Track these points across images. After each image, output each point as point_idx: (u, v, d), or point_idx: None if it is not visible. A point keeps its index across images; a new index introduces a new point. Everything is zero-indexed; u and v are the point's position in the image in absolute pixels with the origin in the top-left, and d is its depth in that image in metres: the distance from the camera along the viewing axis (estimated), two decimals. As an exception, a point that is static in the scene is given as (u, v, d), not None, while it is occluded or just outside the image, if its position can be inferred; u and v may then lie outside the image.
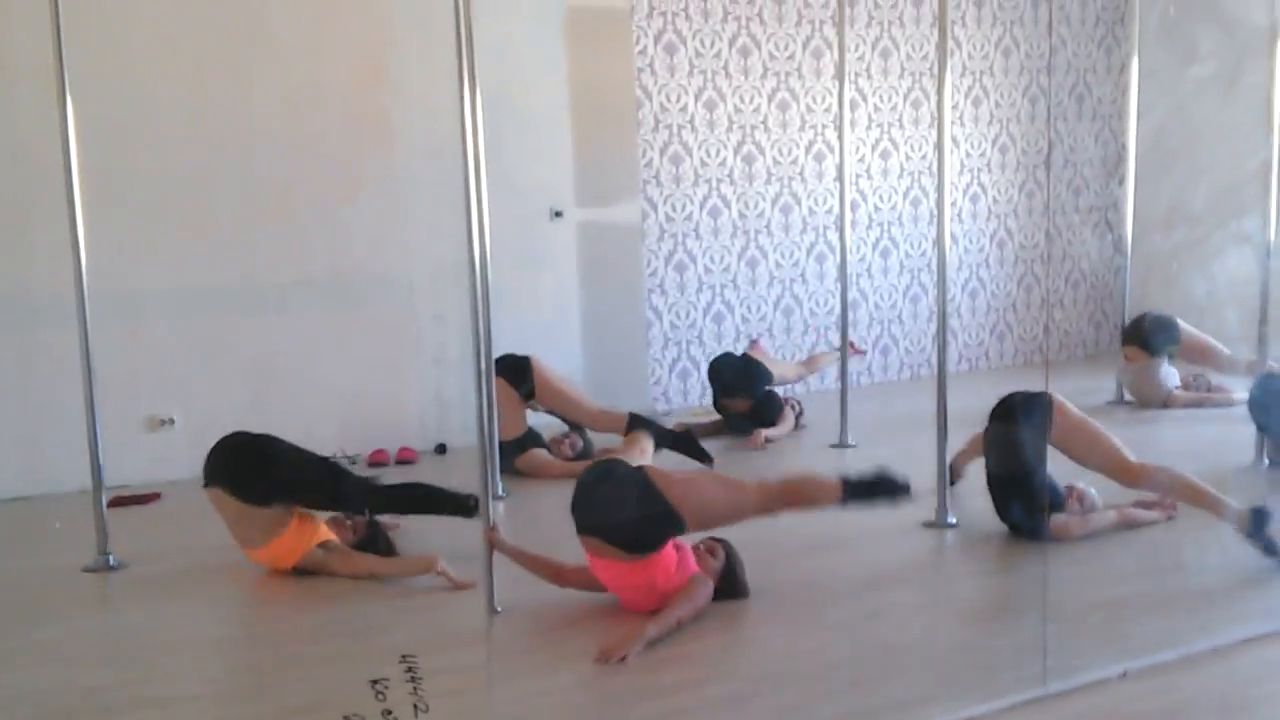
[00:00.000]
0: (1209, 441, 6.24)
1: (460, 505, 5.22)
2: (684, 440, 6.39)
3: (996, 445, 5.28)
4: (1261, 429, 6.20)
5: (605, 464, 4.71)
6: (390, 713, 3.66)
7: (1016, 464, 5.16)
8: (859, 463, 6.76)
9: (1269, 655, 4.04)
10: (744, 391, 7.40)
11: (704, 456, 6.36)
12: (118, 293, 6.28)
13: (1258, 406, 6.23)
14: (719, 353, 7.94)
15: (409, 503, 5.37)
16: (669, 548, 4.40)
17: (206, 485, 5.03)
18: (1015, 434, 5.18)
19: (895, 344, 9.26)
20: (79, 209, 5.19)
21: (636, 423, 6.30)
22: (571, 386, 6.89)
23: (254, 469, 5.02)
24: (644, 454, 5.48)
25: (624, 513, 4.39)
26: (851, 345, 7.60)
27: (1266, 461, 6.20)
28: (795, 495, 4.62)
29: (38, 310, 6.35)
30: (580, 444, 6.80)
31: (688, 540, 4.55)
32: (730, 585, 4.60)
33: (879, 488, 4.61)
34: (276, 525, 4.99)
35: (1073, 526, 5.16)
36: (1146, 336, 7.78)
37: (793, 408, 7.54)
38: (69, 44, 5.17)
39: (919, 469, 5.30)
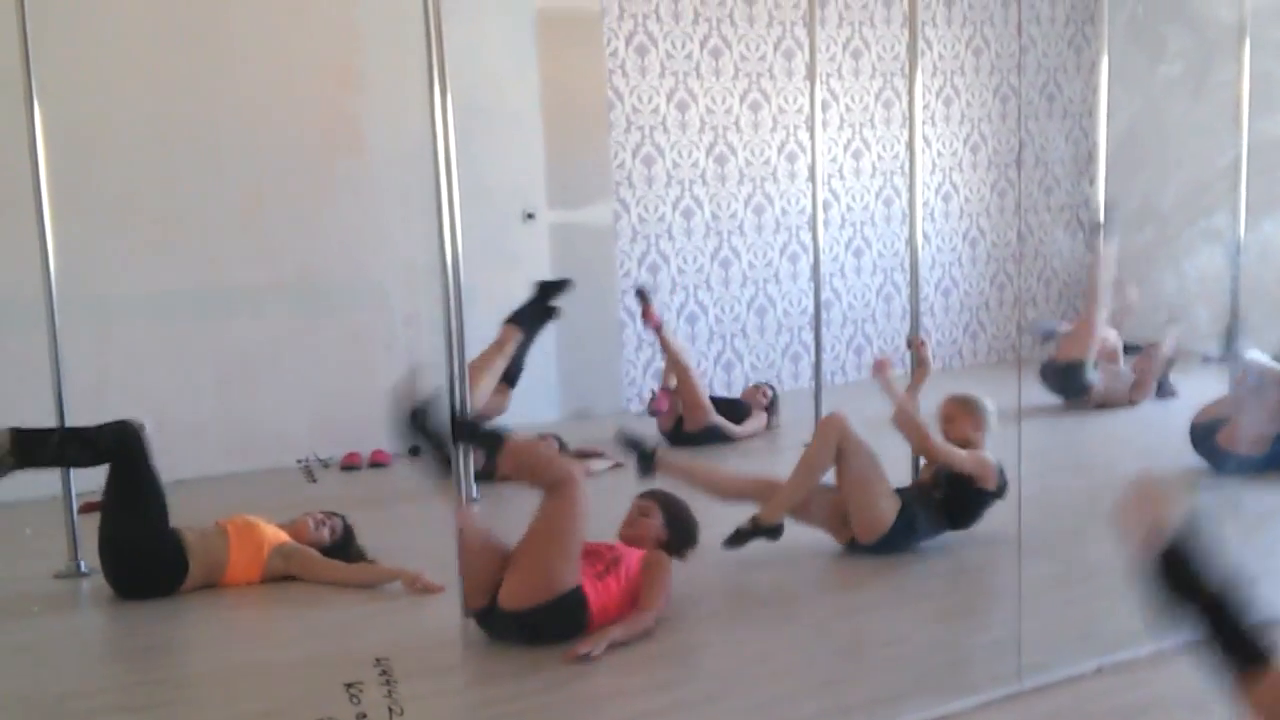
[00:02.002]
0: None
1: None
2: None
3: None
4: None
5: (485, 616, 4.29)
6: (365, 716, 3.65)
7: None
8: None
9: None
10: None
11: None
12: (87, 297, 6.24)
13: (1199, 447, 6.27)
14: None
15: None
16: (593, 588, 4.27)
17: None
18: None
19: (869, 344, 9.27)
20: (48, 213, 5.16)
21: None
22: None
23: (150, 571, 4.91)
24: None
25: (540, 638, 4.21)
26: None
27: None
28: (545, 475, 4.32)
29: (6, 315, 6.30)
30: (556, 445, 6.78)
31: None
32: (680, 535, 4.58)
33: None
34: (216, 558, 4.95)
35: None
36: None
37: (764, 394, 7.54)
38: (36, 48, 5.13)
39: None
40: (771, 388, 7.72)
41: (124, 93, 6.63)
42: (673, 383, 7.41)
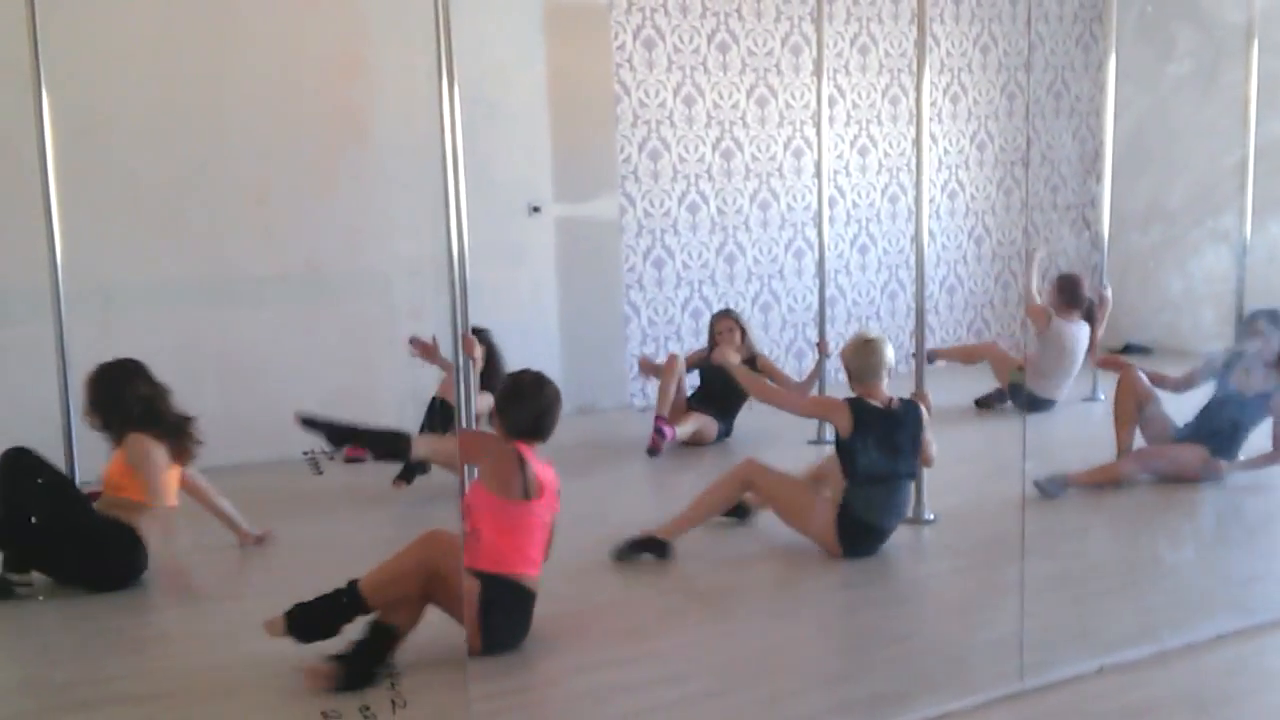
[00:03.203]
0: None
1: None
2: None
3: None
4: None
5: None
6: (368, 708, 3.65)
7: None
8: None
9: (1240, 651, 4.06)
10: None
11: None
12: (93, 285, 6.24)
13: None
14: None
15: None
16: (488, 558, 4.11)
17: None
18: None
19: (873, 340, 9.26)
20: (54, 203, 5.17)
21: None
22: None
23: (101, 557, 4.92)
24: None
25: (520, 623, 4.17)
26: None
27: None
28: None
29: (11, 304, 6.30)
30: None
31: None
32: (514, 412, 4.21)
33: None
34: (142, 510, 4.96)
35: None
36: None
37: (731, 328, 7.46)
38: (44, 37, 5.14)
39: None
40: (731, 313, 7.61)
41: (131, 83, 6.62)
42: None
